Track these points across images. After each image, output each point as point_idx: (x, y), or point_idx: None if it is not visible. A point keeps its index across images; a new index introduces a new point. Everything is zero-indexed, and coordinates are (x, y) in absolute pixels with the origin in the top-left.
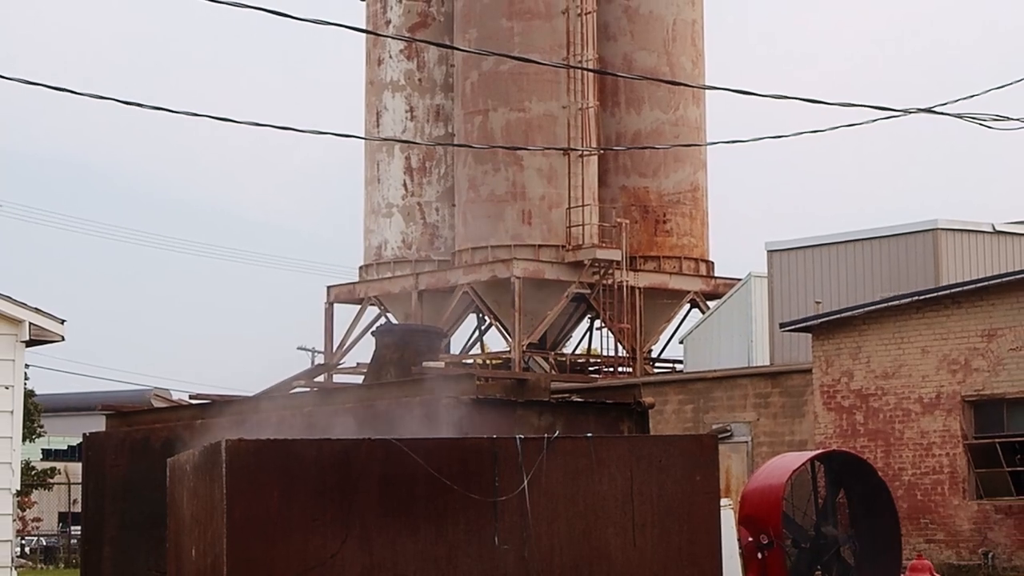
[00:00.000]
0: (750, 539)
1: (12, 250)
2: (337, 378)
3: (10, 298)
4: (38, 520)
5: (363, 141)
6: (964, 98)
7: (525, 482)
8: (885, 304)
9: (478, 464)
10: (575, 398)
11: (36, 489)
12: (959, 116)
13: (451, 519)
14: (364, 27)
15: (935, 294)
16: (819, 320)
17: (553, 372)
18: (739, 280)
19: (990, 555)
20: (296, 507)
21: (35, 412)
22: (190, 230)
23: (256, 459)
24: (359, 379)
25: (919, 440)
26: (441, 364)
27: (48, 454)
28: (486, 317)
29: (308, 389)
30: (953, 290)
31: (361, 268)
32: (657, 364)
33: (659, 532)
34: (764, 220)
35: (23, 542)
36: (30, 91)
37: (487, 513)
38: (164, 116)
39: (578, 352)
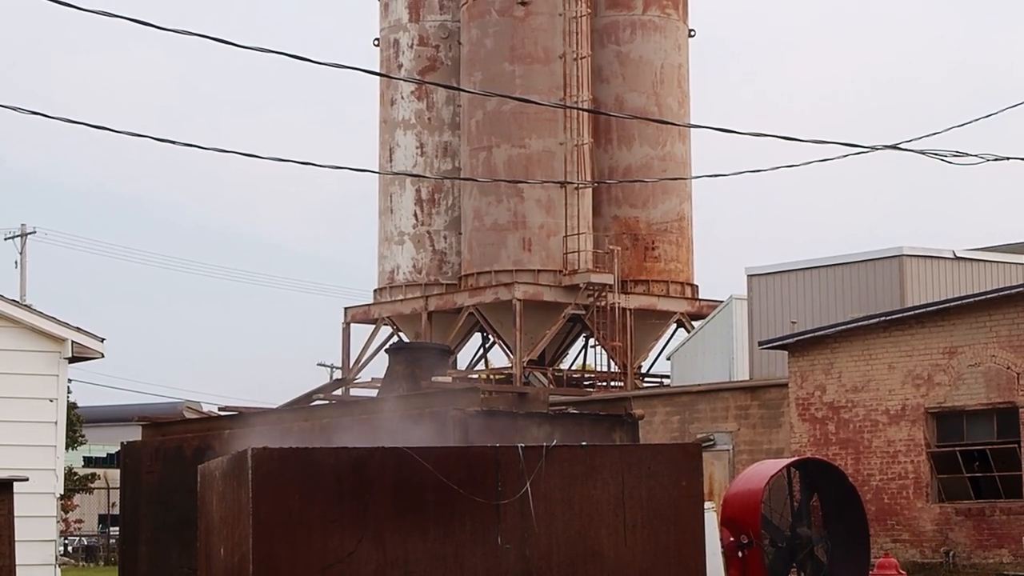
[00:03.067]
0: (731, 539)
1: (56, 274)
2: (353, 392)
3: (54, 318)
4: (80, 522)
5: (377, 175)
6: (927, 135)
7: (526, 487)
8: (855, 324)
9: (482, 470)
10: (571, 410)
11: (78, 493)
12: (923, 152)
13: (458, 521)
14: (378, 70)
15: (901, 315)
16: (795, 338)
17: (551, 386)
18: (721, 302)
19: (951, 554)
20: (316, 510)
21: (77, 423)
22: (218, 256)
23: (280, 466)
24: (374, 393)
25: (886, 448)
26: (448, 379)
27: (89, 461)
28: (490, 336)
29: (327, 402)
30: (917, 311)
31: (375, 291)
32: (646, 379)
33: (648, 532)
34: (744, 247)
35: (66, 542)
36: (74, 129)
37: (491, 515)
38: (195, 152)
39: (574, 368)
